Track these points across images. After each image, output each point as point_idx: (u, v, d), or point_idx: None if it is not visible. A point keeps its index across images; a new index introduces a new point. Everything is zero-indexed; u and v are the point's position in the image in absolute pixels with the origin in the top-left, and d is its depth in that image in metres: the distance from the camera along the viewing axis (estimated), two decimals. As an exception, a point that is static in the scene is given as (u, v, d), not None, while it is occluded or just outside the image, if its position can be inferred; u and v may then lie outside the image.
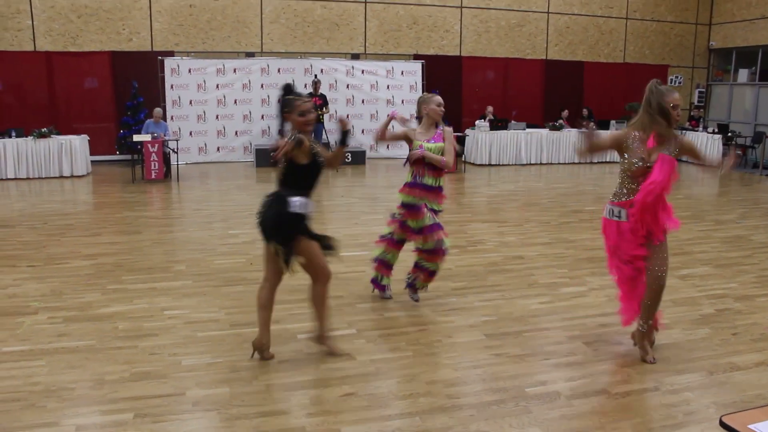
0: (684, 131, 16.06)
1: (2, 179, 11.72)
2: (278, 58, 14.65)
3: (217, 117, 14.22)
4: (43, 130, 12.13)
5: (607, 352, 4.36)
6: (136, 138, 11.79)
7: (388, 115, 5.12)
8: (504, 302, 5.36)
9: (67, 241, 7.29)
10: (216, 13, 14.47)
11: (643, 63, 17.45)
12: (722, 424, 2.15)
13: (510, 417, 3.48)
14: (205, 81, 14.08)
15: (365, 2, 15.34)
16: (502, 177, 13.05)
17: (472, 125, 15.04)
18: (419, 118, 5.14)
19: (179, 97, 14.00)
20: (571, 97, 16.73)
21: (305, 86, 14.18)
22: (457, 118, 15.46)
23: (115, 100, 14.08)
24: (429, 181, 4.99)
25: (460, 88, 15.95)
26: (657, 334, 4.41)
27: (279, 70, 14.56)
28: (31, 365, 4.02)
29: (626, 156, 4.03)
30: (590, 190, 11.63)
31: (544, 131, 15.13)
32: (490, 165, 14.57)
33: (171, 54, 14.17)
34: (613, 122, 15.67)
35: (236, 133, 14.54)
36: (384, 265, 5.30)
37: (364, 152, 14.71)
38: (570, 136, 15.21)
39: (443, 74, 15.51)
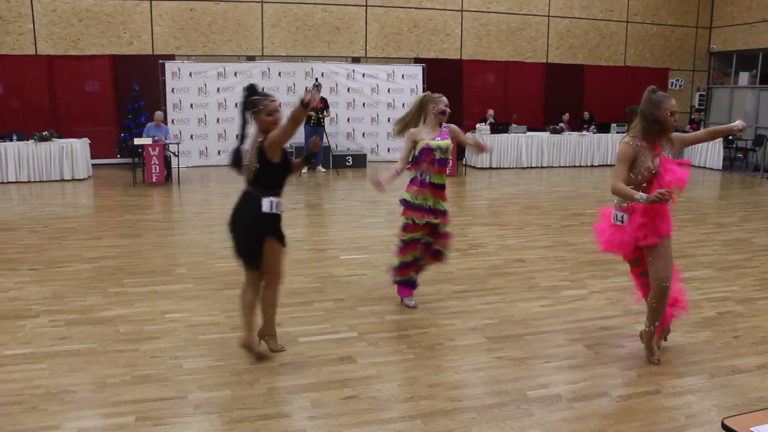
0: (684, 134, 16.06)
1: (3, 182, 11.74)
2: (279, 62, 14.67)
3: (217, 120, 14.23)
4: (44, 133, 12.15)
5: (608, 355, 4.36)
6: (137, 141, 11.80)
7: (394, 171, 5.06)
8: (505, 305, 5.36)
9: (68, 244, 7.30)
10: (217, 17, 14.50)
11: (643, 66, 17.47)
12: (724, 427, 2.15)
13: (511, 420, 3.48)
14: (206, 84, 14.10)
15: (366, 6, 15.37)
16: (502, 180, 13.06)
17: (473, 128, 15.04)
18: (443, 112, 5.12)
19: (180, 101, 14.02)
20: (571, 100, 16.75)
21: (306, 90, 14.18)
22: (458, 122, 15.39)
23: (116, 104, 14.10)
24: (437, 179, 5.02)
25: (461, 92, 15.97)
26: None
27: (280, 74, 14.59)
28: (32, 368, 4.02)
29: (635, 168, 4.00)
30: (591, 193, 11.63)
31: (545, 134, 15.14)
32: (490, 168, 14.58)
33: (172, 57, 14.20)
34: (613, 125, 15.70)
35: (237, 136, 14.50)
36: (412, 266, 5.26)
37: (364, 155, 14.72)
38: (571, 140, 15.23)
39: (444, 77, 15.53)
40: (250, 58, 14.59)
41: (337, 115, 14.85)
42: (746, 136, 16.02)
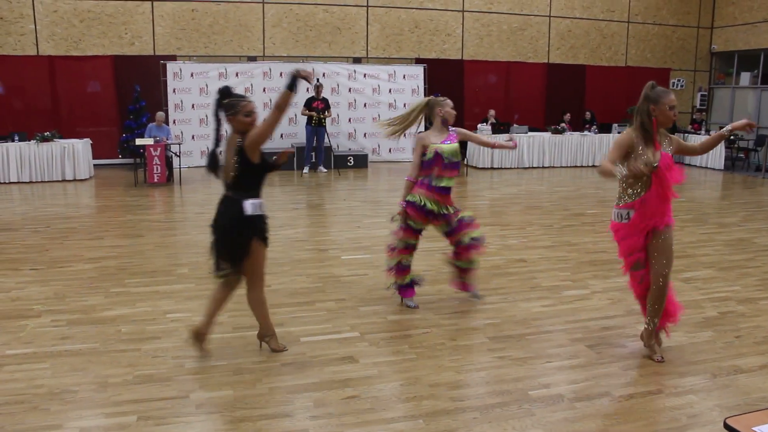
0: (686, 135, 16.08)
1: (5, 183, 11.75)
2: (280, 62, 14.67)
3: (219, 121, 14.22)
4: (45, 134, 12.16)
5: (610, 355, 4.35)
6: (138, 142, 11.82)
7: (408, 182, 5.10)
8: (507, 305, 5.36)
9: (70, 244, 7.30)
10: (218, 17, 14.51)
11: (644, 66, 17.45)
12: (726, 427, 2.15)
13: (513, 420, 3.48)
14: (207, 85, 14.10)
15: (367, 6, 15.38)
16: (504, 180, 13.06)
17: (474, 129, 15.04)
18: (430, 122, 5.15)
19: (181, 101, 14.03)
20: (573, 100, 16.74)
21: (307, 90, 14.21)
22: (459, 122, 15.37)
23: (117, 104, 14.12)
24: (446, 182, 5.02)
25: (462, 92, 15.96)
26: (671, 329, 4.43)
27: (281, 74, 14.57)
28: (34, 368, 4.03)
29: (632, 159, 4.01)
30: (592, 193, 11.63)
31: (546, 135, 15.14)
32: (492, 168, 14.58)
33: (173, 58, 14.21)
34: (615, 125, 15.68)
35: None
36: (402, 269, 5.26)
37: (366, 156, 14.73)
38: (572, 140, 15.22)
39: (445, 78, 15.53)
40: (252, 59, 14.60)
41: (338, 116, 14.86)
42: (748, 137, 16.01)
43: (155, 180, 11.70)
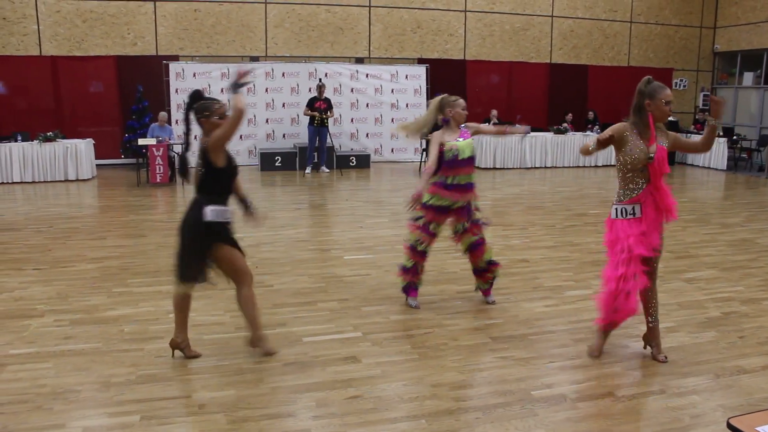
0: (689, 135, 16.06)
1: (8, 183, 11.77)
2: (283, 63, 14.69)
3: (221, 121, 14.23)
4: (48, 134, 12.18)
5: (612, 355, 4.35)
6: (141, 142, 11.84)
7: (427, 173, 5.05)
8: (509, 305, 5.35)
9: (72, 244, 7.31)
10: (221, 18, 14.52)
11: (647, 66, 17.41)
12: (729, 426, 2.15)
13: (516, 420, 3.47)
14: (209, 85, 14.10)
15: (369, 6, 15.38)
16: (506, 180, 13.05)
17: (477, 129, 15.03)
18: (446, 120, 5.13)
19: (184, 101, 13.97)
20: (575, 100, 16.72)
21: (309, 90, 14.23)
22: (462, 122, 15.44)
23: (120, 104, 14.14)
24: (464, 179, 5.03)
25: (465, 92, 15.95)
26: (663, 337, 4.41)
27: (283, 75, 14.60)
28: (37, 368, 4.03)
29: (625, 150, 4.01)
30: (594, 193, 11.62)
31: (549, 135, 15.13)
32: (494, 168, 14.57)
33: (176, 58, 14.23)
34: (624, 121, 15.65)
35: (240, 137, 14.53)
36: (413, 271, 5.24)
37: (368, 156, 14.73)
38: (574, 140, 15.21)
39: (447, 78, 15.53)
40: (254, 59, 14.61)
41: (340, 116, 14.86)
42: (751, 136, 15.99)
43: (158, 180, 11.72)
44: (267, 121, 14.66)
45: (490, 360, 4.28)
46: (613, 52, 17.31)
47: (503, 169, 14.58)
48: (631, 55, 17.47)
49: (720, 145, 15.07)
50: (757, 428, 2.09)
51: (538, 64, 16.72)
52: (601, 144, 3.96)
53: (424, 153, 14.01)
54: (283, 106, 14.71)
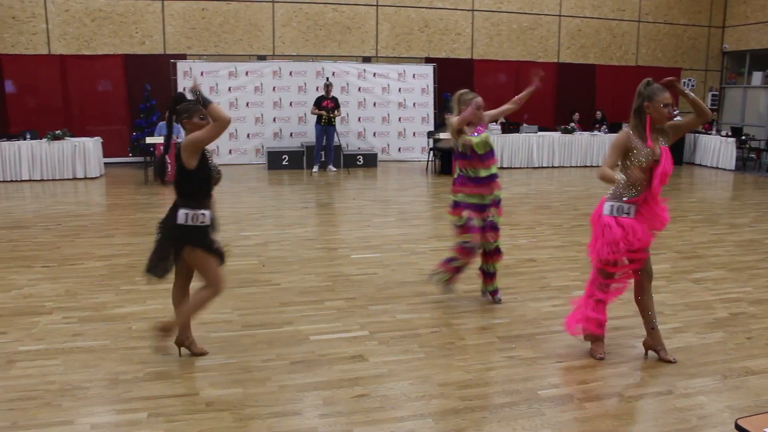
0: (697, 134, 16.00)
1: (17, 181, 11.84)
2: (290, 62, 14.71)
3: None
4: (57, 132, 12.24)
5: (619, 355, 4.34)
6: (149, 140, 11.88)
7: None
8: (516, 305, 5.35)
9: (81, 242, 7.35)
10: (228, 17, 14.55)
11: (655, 66, 17.34)
12: (738, 428, 2.14)
13: (522, 419, 3.47)
14: (217, 84, 14.15)
15: (377, 5, 15.38)
16: (514, 180, 13.02)
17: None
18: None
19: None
20: (583, 100, 16.67)
21: (317, 89, 14.24)
22: (469, 121, 15.41)
23: (128, 103, 14.19)
24: (484, 172, 5.05)
25: (472, 91, 15.89)
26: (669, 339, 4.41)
27: (291, 73, 14.62)
28: (46, 364, 4.06)
29: (633, 155, 4.02)
30: (602, 193, 11.48)
31: (556, 134, 15.09)
32: (501, 168, 14.52)
33: (183, 57, 14.27)
34: (624, 125, 15.58)
35: (248, 135, 14.61)
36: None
37: (375, 155, 14.73)
38: (582, 139, 15.17)
39: (455, 77, 15.46)
40: (261, 58, 14.64)
41: (348, 115, 14.87)
42: (760, 137, 15.91)
43: (165, 178, 11.74)
44: (274, 119, 14.69)
45: (497, 359, 4.28)
46: (621, 51, 17.26)
47: (510, 168, 14.55)
48: (639, 54, 17.41)
49: (729, 145, 15.00)
50: (766, 429, 2.09)
51: (545, 64, 16.64)
52: (632, 179, 3.96)
53: (431, 153, 14.04)
54: (291, 105, 14.73)
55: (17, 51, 13.45)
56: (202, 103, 3.86)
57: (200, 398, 3.66)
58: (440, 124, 14.16)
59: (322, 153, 13.75)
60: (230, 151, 14.40)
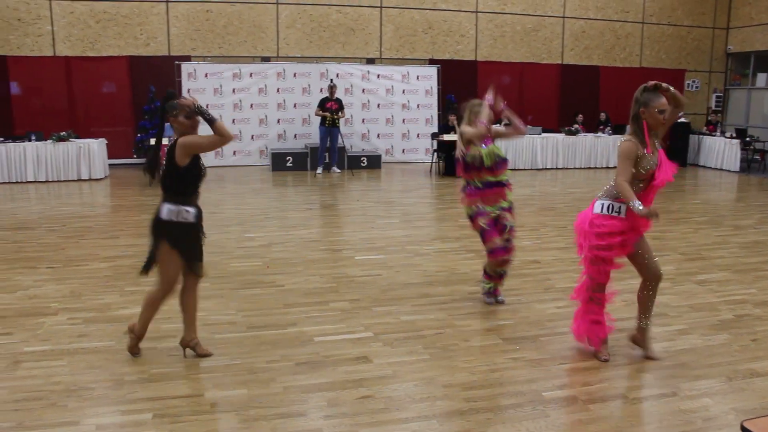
0: (701, 136, 15.97)
1: (22, 182, 11.88)
2: (294, 63, 14.73)
3: (233, 121, 14.30)
4: (62, 133, 12.29)
5: (624, 357, 4.33)
6: (153, 142, 11.88)
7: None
8: (521, 306, 5.35)
9: (85, 243, 7.37)
10: (232, 18, 14.58)
11: (659, 67, 17.34)
12: (743, 429, 2.14)
13: (527, 421, 3.47)
14: (221, 85, 14.19)
15: (380, 7, 15.39)
16: (518, 181, 12.96)
17: (488, 130, 15.00)
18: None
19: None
20: (587, 101, 16.66)
21: (321, 90, 14.26)
22: (472, 123, 15.42)
23: (132, 105, 14.23)
24: (491, 178, 5.11)
25: (476, 93, 15.93)
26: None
27: (295, 75, 14.65)
28: (52, 365, 4.07)
29: (639, 166, 4.04)
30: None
31: (560, 136, 15.08)
32: (505, 169, 14.51)
33: (188, 58, 14.30)
34: (628, 127, 15.56)
35: (252, 137, 14.63)
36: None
37: (379, 156, 14.75)
38: (586, 141, 15.16)
39: (459, 79, 15.51)
40: (265, 59, 14.67)
41: (351, 116, 14.88)
42: (764, 138, 15.86)
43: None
44: (278, 121, 14.71)
45: (501, 361, 4.27)
46: (625, 53, 17.24)
47: (514, 170, 14.50)
48: (643, 56, 17.39)
49: (733, 147, 14.97)
50: (771, 431, 2.09)
51: (549, 65, 16.67)
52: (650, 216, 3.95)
53: (435, 154, 14.04)
54: (295, 106, 14.75)
55: (22, 53, 13.51)
56: (206, 120, 3.90)
57: (205, 399, 3.67)
58: (444, 126, 14.15)
59: (326, 154, 13.77)
60: (234, 153, 14.43)
